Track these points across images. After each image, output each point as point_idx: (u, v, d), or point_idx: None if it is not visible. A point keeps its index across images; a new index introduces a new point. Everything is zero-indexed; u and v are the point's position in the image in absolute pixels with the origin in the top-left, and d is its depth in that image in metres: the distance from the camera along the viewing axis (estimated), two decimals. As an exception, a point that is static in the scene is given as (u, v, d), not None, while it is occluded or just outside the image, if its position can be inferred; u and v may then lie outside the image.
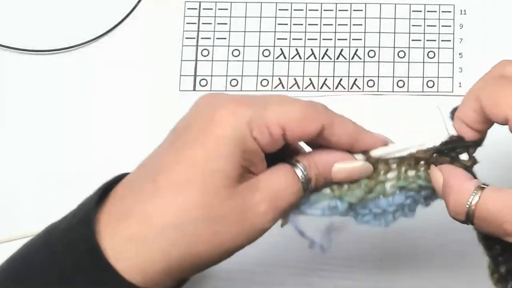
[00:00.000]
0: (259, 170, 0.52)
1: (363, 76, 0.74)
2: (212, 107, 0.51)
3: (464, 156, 0.53)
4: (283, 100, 0.52)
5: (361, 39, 0.75)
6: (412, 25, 0.75)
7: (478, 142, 0.53)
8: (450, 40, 0.75)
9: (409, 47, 0.75)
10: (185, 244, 0.49)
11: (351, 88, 0.74)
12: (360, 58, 0.75)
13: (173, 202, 0.49)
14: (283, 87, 0.74)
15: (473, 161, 0.53)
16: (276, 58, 0.75)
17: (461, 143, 0.53)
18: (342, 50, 0.75)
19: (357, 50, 0.75)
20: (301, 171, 0.52)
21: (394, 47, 0.75)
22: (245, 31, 0.76)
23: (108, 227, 0.49)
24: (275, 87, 0.74)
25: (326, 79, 0.75)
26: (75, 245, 0.49)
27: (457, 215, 0.51)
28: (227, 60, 0.75)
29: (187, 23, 0.76)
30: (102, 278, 0.48)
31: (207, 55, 0.76)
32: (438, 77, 0.74)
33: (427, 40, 0.75)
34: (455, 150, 0.53)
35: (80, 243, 0.49)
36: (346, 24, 0.76)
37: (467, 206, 0.50)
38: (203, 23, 0.76)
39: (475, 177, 0.52)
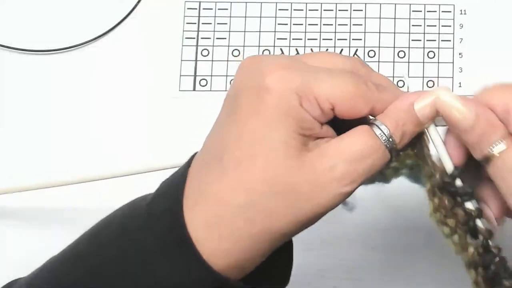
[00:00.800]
0: (327, 135, 0.49)
1: (363, 76, 0.74)
2: (259, 73, 0.49)
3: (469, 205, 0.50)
4: (333, 71, 0.49)
5: (361, 39, 0.75)
6: (412, 25, 0.75)
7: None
8: (450, 40, 0.75)
9: (409, 47, 0.75)
10: (261, 220, 0.48)
11: (351, 88, 0.74)
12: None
13: (241, 179, 0.48)
14: (283, 87, 0.74)
15: (479, 212, 0.50)
16: (276, 58, 0.75)
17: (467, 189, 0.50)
18: (342, 50, 0.75)
19: (357, 50, 0.75)
20: (379, 129, 0.49)
21: (394, 47, 0.75)
22: (245, 31, 0.76)
23: (189, 213, 0.48)
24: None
25: (326, 79, 0.75)
26: (164, 235, 0.48)
27: (473, 153, 0.49)
28: (227, 60, 0.75)
29: (187, 23, 0.76)
30: (190, 268, 0.48)
31: (207, 55, 0.76)
32: (438, 77, 0.74)
33: (427, 40, 0.75)
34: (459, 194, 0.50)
35: (169, 234, 0.48)
36: (346, 24, 0.76)
37: (490, 150, 0.48)
38: (203, 23, 0.76)
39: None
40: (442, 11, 0.75)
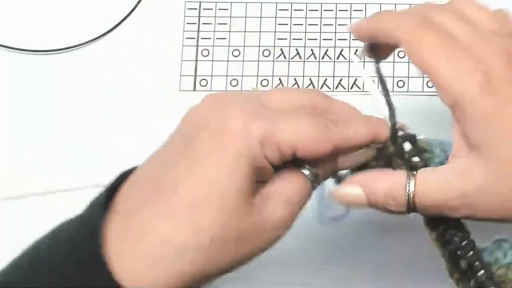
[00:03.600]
0: (267, 179, 0.51)
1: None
2: (222, 117, 0.49)
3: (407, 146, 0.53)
4: (295, 115, 0.51)
5: (361, 39, 0.75)
6: (412, 25, 0.75)
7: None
8: (450, 40, 0.75)
9: (409, 47, 0.75)
10: (204, 263, 0.48)
11: (351, 88, 0.74)
12: (360, 58, 0.75)
13: (191, 222, 0.48)
14: (283, 87, 0.74)
15: (417, 151, 0.53)
16: (276, 58, 0.75)
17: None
18: (342, 50, 0.75)
19: (357, 50, 0.75)
20: (308, 170, 0.52)
21: (394, 47, 0.75)
22: (245, 31, 0.76)
23: (119, 247, 0.48)
24: (275, 87, 0.74)
25: (326, 79, 0.75)
26: (83, 265, 0.47)
27: (399, 210, 0.51)
28: (227, 60, 0.75)
29: (187, 23, 0.76)
30: None
31: (207, 55, 0.76)
32: (438, 77, 0.74)
33: (427, 40, 0.75)
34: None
35: (87, 263, 0.47)
36: (346, 24, 0.76)
37: (406, 197, 0.50)
38: (203, 23, 0.76)
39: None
40: (442, 11, 0.75)
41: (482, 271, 0.49)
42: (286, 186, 0.51)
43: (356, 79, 0.74)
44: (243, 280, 0.69)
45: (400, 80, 0.74)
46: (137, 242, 0.48)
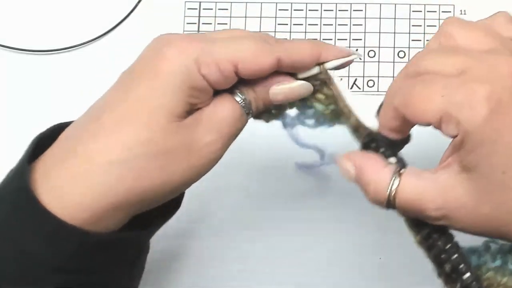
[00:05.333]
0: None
1: (363, 76, 0.74)
2: (159, 46, 0.51)
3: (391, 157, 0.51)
4: (233, 35, 0.52)
5: (361, 39, 0.75)
6: (412, 25, 0.75)
7: (406, 140, 0.52)
8: (450, 40, 0.75)
9: (409, 47, 0.75)
10: (132, 179, 0.49)
11: (351, 88, 0.74)
12: (360, 58, 0.75)
13: (117, 138, 0.49)
14: (283, 87, 0.74)
15: (402, 164, 0.51)
16: (276, 58, 0.75)
17: (388, 141, 0.51)
18: (342, 50, 0.75)
19: (357, 50, 0.75)
20: (239, 97, 0.53)
21: (394, 47, 0.75)
22: (245, 31, 0.76)
23: (47, 172, 0.49)
24: (275, 87, 0.74)
25: (326, 79, 0.75)
26: (10, 196, 0.49)
27: (378, 204, 0.50)
28: (227, 60, 0.75)
29: (187, 23, 0.76)
30: (38, 223, 0.48)
31: (207, 55, 0.75)
32: (438, 77, 0.74)
33: (427, 40, 0.75)
34: (380, 148, 0.51)
35: (13, 193, 0.49)
36: (346, 24, 0.76)
37: (387, 194, 0.49)
38: (203, 23, 0.76)
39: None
40: (442, 11, 0.75)
41: (468, 274, 0.48)
42: (216, 110, 0.52)
43: (356, 79, 0.74)
44: (243, 280, 0.69)
45: (370, 80, 0.74)
46: (62, 162, 0.49)
